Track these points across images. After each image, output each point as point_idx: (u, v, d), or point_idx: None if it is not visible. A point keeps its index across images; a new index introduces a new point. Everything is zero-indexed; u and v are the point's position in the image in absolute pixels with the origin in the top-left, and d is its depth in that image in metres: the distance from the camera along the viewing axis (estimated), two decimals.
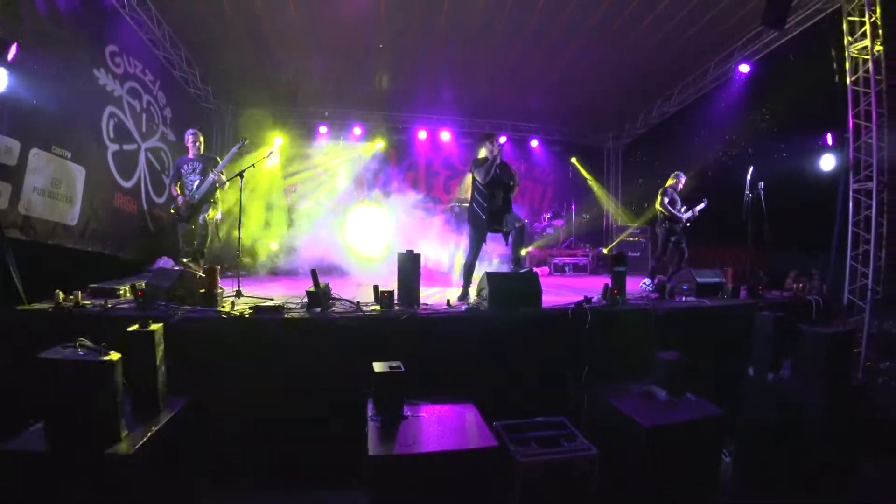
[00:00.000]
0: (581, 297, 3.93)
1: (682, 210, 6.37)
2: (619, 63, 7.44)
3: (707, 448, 2.86)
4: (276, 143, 8.67)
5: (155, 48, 7.16)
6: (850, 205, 5.53)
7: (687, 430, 2.69)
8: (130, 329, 2.42)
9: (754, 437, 3.62)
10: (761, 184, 5.39)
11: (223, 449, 3.16)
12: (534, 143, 10.61)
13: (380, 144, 9.51)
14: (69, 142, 5.18)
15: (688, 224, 6.37)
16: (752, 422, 3.62)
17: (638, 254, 7.95)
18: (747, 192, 5.42)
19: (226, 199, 5.97)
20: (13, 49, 4.08)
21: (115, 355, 2.15)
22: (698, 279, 4.83)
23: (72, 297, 3.68)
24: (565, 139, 10.79)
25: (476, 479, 2.19)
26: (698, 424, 2.73)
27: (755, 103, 7.04)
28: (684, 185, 6.54)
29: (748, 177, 5.45)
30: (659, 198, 6.41)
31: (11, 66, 4.16)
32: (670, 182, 6.48)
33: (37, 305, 3.68)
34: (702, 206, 6.41)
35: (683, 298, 4.58)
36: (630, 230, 9.32)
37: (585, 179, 10.83)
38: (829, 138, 6.12)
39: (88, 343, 2.32)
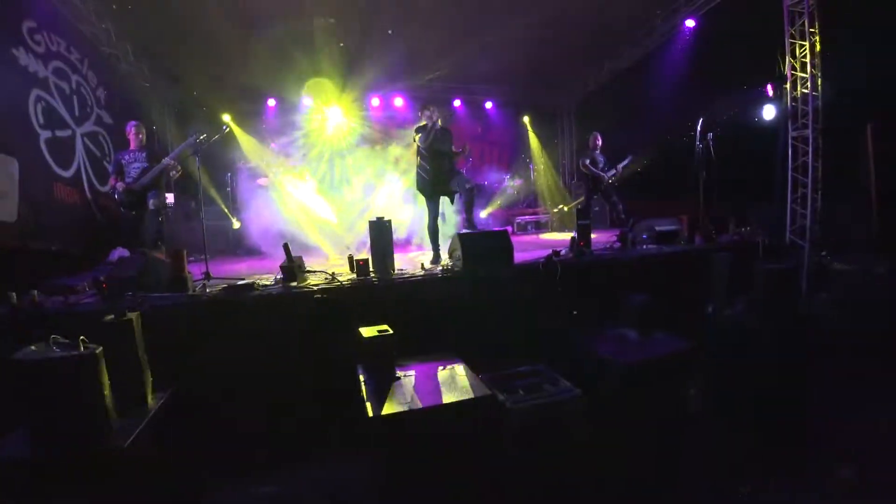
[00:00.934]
0: (549, 252, 4.08)
1: (604, 167, 6.83)
2: (567, 21, 7.45)
3: (677, 380, 3.09)
4: (224, 120, 8.24)
5: (78, 22, 6.57)
6: (790, 151, 5.90)
7: (659, 365, 2.91)
8: (107, 319, 2.33)
9: (715, 370, 3.94)
10: (710, 134, 5.65)
11: (215, 435, 3.14)
12: (488, 104, 10.61)
13: (335, 115, 9.22)
14: None
15: (610, 181, 6.81)
16: (713, 355, 3.93)
17: (598, 208, 8.24)
18: (697, 142, 5.68)
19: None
20: None
21: (96, 347, 2.08)
22: (657, 228, 5.10)
23: (26, 297, 3.49)
24: (518, 100, 10.82)
25: (473, 427, 2.31)
26: (669, 358, 2.96)
27: (702, 57, 7.29)
28: (603, 143, 7.00)
29: (698, 128, 5.70)
30: (579, 161, 6.94)
31: None
32: (588, 143, 7.02)
33: None
34: (625, 162, 6.88)
35: (644, 247, 4.83)
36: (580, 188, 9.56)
37: (540, 139, 10.96)
38: (770, 89, 6.45)
39: (62, 340, 2.23)
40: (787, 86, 5.88)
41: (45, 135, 5.51)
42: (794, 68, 5.79)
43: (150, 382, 2.50)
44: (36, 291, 3.51)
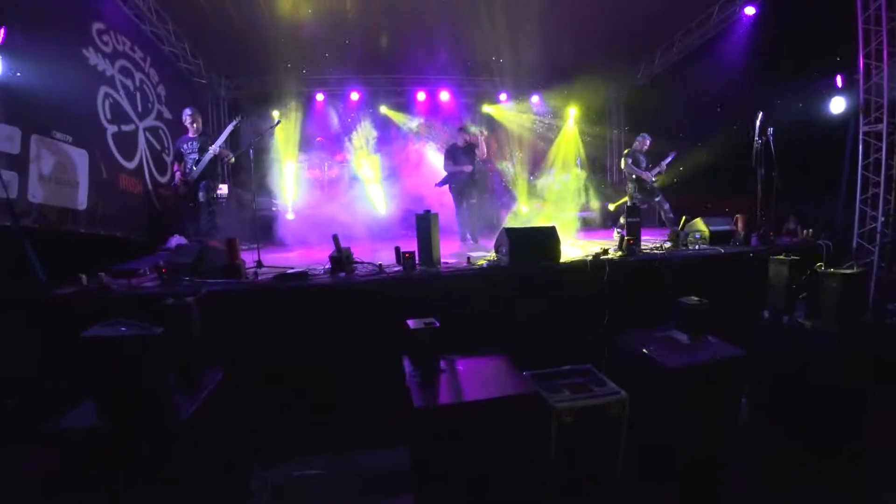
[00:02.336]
0: (598, 249, 3.98)
1: (647, 168, 6.75)
2: (618, 10, 7.23)
3: (729, 388, 2.94)
4: (275, 116, 8.52)
5: (141, 23, 6.95)
6: (860, 148, 5.50)
7: (710, 371, 2.77)
8: (167, 302, 2.46)
9: (769, 379, 3.75)
10: (770, 130, 5.33)
11: (262, 418, 3.27)
12: (534, 98, 10.45)
13: (381, 109, 9.36)
14: (68, 126, 5.11)
15: (654, 180, 6.75)
16: (767, 364, 3.74)
17: (646, 206, 7.97)
18: (756, 138, 5.38)
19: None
20: (1, 33, 3.98)
21: (158, 328, 2.20)
22: (710, 228, 4.87)
23: (95, 279, 3.73)
24: (566, 94, 10.55)
25: (517, 425, 2.29)
26: (720, 364, 2.81)
27: (763, 47, 6.88)
28: (651, 144, 6.92)
29: (757, 123, 5.39)
30: (623, 160, 6.88)
31: (2, 51, 4.06)
32: (634, 144, 6.95)
33: (60, 291, 3.73)
34: (669, 158, 6.75)
35: (696, 247, 4.64)
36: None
37: (588, 134, 10.70)
38: (839, 80, 6.03)
39: (127, 321, 2.37)
40: (859, 76, 5.46)
41: (111, 129, 5.87)
42: (867, 57, 5.37)
43: (203, 363, 2.62)
44: (103, 274, 3.76)
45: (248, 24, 7.19)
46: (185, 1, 6.78)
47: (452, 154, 6.39)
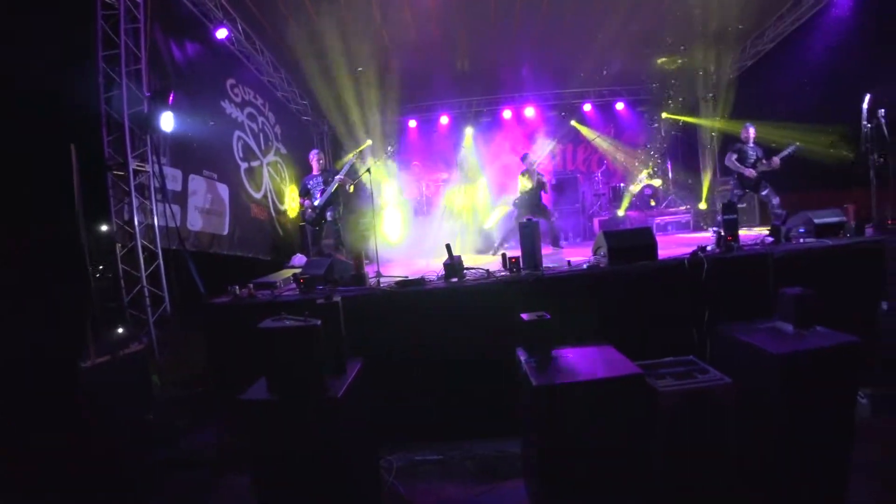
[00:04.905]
0: (695, 248, 4.04)
1: (755, 160, 6.35)
2: (702, 4, 7.13)
3: (842, 378, 2.84)
4: (369, 144, 9.35)
5: (261, 75, 8.09)
6: None
7: (820, 359, 2.71)
8: (320, 301, 3.01)
9: (891, 372, 3.54)
10: (882, 111, 4.99)
11: (387, 409, 3.69)
12: (619, 105, 10.42)
13: (469, 131, 9.87)
14: (214, 165, 6.16)
15: (765, 171, 6.32)
16: (889, 356, 3.54)
17: (744, 205, 7.63)
18: (865, 122, 5.06)
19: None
20: (171, 95, 4.96)
21: (317, 320, 2.74)
22: (815, 220, 4.63)
23: (245, 290, 4.49)
24: (651, 97, 10.43)
25: (625, 405, 2.49)
26: (833, 352, 2.73)
27: (866, 24, 6.41)
28: (756, 134, 6.51)
29: (865, 105, 5.08)
30: (727, 156, 6.53)
31: (171, 109, 5.05)
32: (740, 137, 6.54)
33: (218, 299, 4.51)
34: (790, 150, 6.18)
35: (802, 240, 4.46)
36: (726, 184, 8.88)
37: (678, 136, 10.40)
38: None
39: (289, 316, 2.94)
40: None
41: (243, 166, 6.92)
42: None
43: (347, 355, 3.14)
44: (251, 285, 4.51)
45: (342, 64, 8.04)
46: (294, 52, 7.78)
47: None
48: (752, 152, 6.43)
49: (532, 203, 7.20)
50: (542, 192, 7.34)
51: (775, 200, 6.34)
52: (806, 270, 4.03)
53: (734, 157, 6.46)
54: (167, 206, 5.08)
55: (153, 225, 5.13)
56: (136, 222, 4.95)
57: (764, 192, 6.43)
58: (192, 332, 5.04)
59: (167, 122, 4.89)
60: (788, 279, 3.73)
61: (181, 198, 5.59)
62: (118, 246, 4.91)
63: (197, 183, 5.83)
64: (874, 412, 3.65)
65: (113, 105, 4.90)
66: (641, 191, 8.97)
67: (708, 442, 2.71)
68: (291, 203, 8.08)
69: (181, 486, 3.71)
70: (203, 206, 5.89)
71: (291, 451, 2.71)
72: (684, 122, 10.46)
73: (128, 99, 4.91)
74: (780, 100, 7.83)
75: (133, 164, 4.95)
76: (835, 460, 2.83)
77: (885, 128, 4.92)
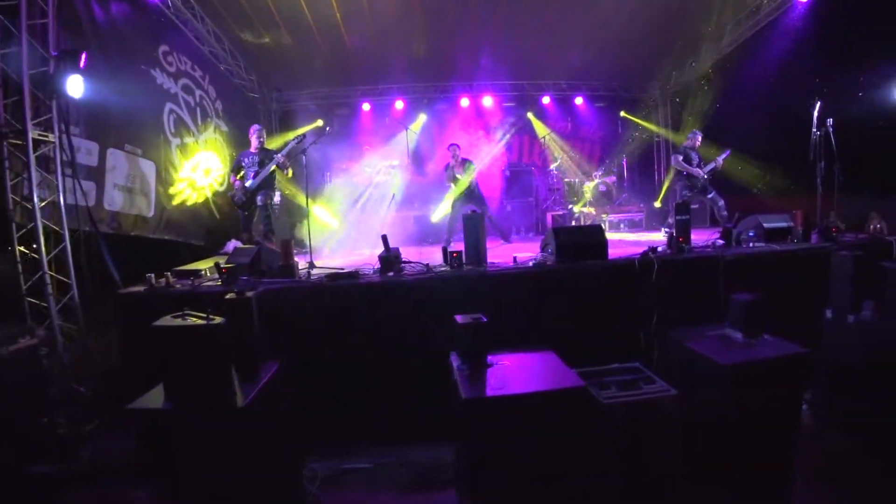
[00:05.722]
0: (645, 248, 3.90)
1: (699, 165, 6.70)
2: (660, 4, 7.07)
3: (789, 388, 2.80)
4: (320, 126, 8.88)
5: (201, 44, 7.44)
6: None
7: (768, 369, 2.65)
8: (228, 296, 2.63)
9: (835, 382, 3.53)
10: (830, 120, 5.04)
11: (312, 412, 3.40)
12: (578, 100, 10.31)
13: (423, 117, 9.55)
14: (139, 140, 5.57)
15: (707, 176, 6.68)
16: (832, 363, 3.53)
17: (697, 206, 7.70)
18: (815, 129, 5.10)
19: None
20: (83, 57, 4.37)
21: (220, 319, 2.36)
22: (765, 224, 4.65)
23: (162, 279, 4.03)
24: (610, 94, 10.46)
25: (564, 420, 2.28)
26: (780, 362, 2.67)
27: (819, 33, 6.52)
28: (701, 142, 6.92)
29: (815, 113, 5.11)
30: (673, 158, 6.90)
31: (82, 73, 4.46)
32: (685, 142, 6.91)
33: (132, 289, 4.05)
34: (722, 157, 6.65)
35: (751, 245, 4.44)
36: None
37: (636, 135, 10.48)
38: None
39: (193, 313, 2.55)
40: None
41: (175, 142, 6.31)
42: None
43: (261, 356, 2.78)
44: (169, 274, 4.06)
45: (297, 43, 7.56)
46: (240, 23, 7.21)
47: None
48: (695, 156, 6.78)
49: (468, 197, 7.03)
50: (476, 183, 7.17)
51: (721, 203, 6.66)
52: (755, 275, 4.02)
53: (680, 157, 6.74)
54: (77, 182, 4.49)
55: (59, 203, 4.53)
56: (35, 199, 4.34)
57: (710, 195, 6.73)
58: (105, 324, 4.52)
59: (75, 86, 4.30)
60: (738, 283, 3.70)
61: (97, 173, 4.99)
62: (14, 226, 4.30)
63: (117, 158, 5.22)
64: (814, 417, 3.67)
65: (10, 63, 4.25)
66: (596, 187, 8.92)
67: (653, 452, 2.62)
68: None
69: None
70: (124, 184, 5.29)
71: (193, 465, 2.35)
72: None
73: (29, 57, 4.26)
74: (738, 104, 7.95)
75: (33, 133, 4.33)
76: (781, 465, 2.81)
77: (832, 137, 4.97)
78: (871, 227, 4.95)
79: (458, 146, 7.35)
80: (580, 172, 9.87)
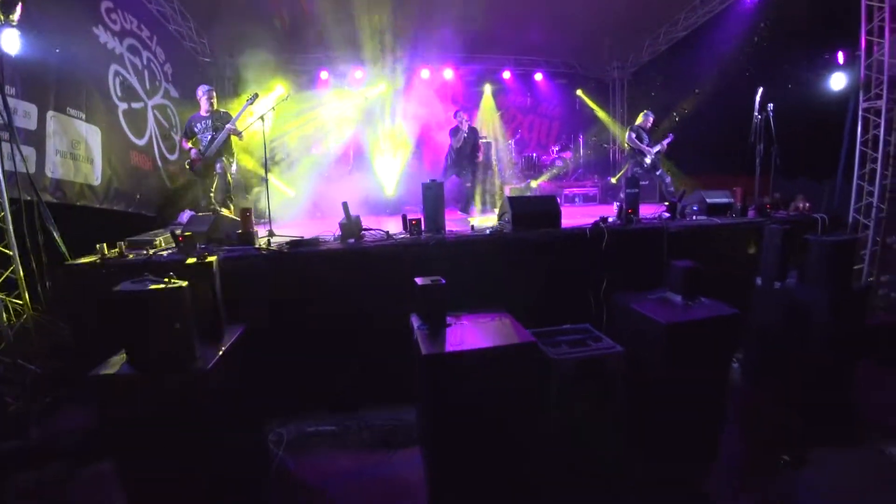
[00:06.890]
0: (597, 219, 4.12)
1: (649, 145, 7.32)
2: None
3: (721, 345, 3.09)
4: (278, 90, 8.60)
5: (147, 2, 7.00)
6: (860, 124, 5.55)
7: (703, 328, 2.92)
8: (190, 261, 2.62)
9: (762, 341, 3.89)
10: (770, 105, 5.38)
11: (278, 376, 3.44)
12: (538, 76, 10.47)
13: (382, 87, 9.41)
14: (82, 103, 5.25)
15: (654, 155, 7.30)
16: (760, 327, 3.88)
17: (647, 182, 8.08)
18: (756, 114, 5.43)
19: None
20: (18, 8, 4.07)
21: (183, 282, 2.36)
22: (708, 200, 4.98)
23: (115, 249, 3.90)
24: (570, 71, 10.69)
25: (517, 374, 2.45)
26: (713, 322, 2.95)
27: (766, 24, 6.91)
28: (653, 123, 7.52)
29: (757, 98, 5.44)
30: (626, 134, 7.49)
31: (17, 27, 4.15)
32: (639, 121, 7.48)
33: (82, 260, 3.90)
34: (667, 141, 7.33)
35: (694, 218, 4.76)
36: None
37: (592, 111, 10.78)
38: (841, 57, 6.05)
39: (153, 277, 2.52)
40: (861, 52, 5.49)
41: (122, 106, 5.98)
42: (869, 33, 5.40)
43: (224, 320, 2.79)
44: (122, 244, 3.92)
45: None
46: None
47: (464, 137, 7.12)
48: (647, 136, 7.36)
49: (461, 162, 7.11)
50: (476, 150, 7.23)
51: (668, 179, 7.31)
52: (697, 245, 4.33)
53: (633, 135, 7.30)
54: (17, 147, 4.22)
55: None
56: None
57: (658, 172, 7.34)
58: (53, 299, 4.33)
59: (11, 41, 4.01)
60: (681, 252, 3.97)
61: (37, 138, 4.68)
62: None
63: (59, 122, 4.91)
64: (743, 375, 4.04)
65: None
66: (552, 163, 9.20)
67: (599, 406, 2.82)
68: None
69: (27, 486, 3.15)
70: (67, 150, 5.00)
71: (156, 433, 2.36)
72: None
73: None
74: (690, 86, 8.32)
75: None
76: (711, 416, 3.14)
77: (772, 122, 5.32)
78: (798, 206, 5.41)
79: (464, 112, 7.35)
80: (540, 147, 10.10)
